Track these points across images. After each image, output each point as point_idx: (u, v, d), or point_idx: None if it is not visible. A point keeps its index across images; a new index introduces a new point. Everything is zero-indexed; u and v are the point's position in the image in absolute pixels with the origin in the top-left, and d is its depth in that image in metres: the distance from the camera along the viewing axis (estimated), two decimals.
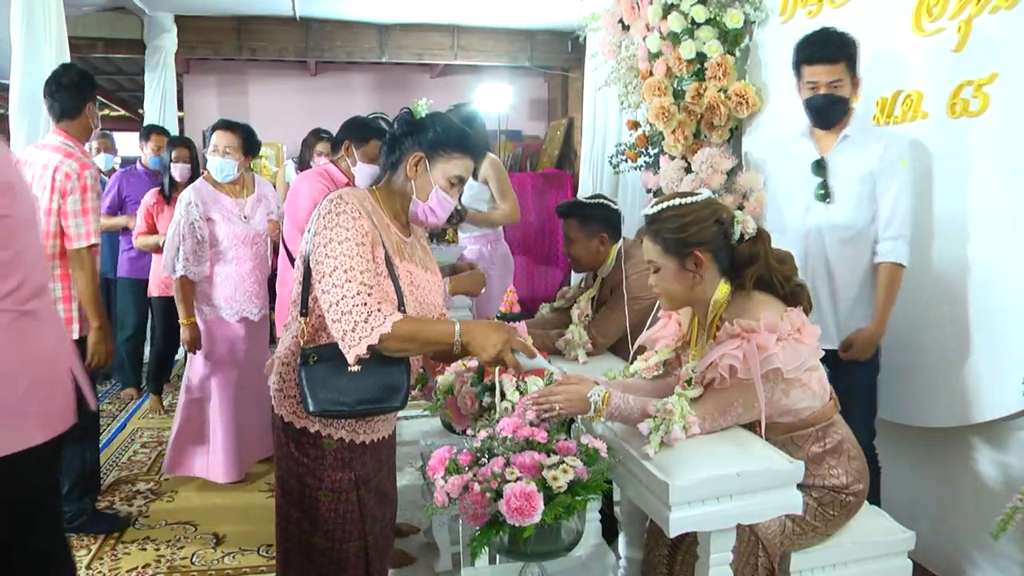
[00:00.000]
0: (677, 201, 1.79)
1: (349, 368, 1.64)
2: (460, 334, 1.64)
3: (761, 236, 1.79)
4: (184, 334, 3.23)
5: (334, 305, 1.61)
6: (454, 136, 1.77)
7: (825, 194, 2.39)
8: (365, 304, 1.60)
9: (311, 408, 1.67)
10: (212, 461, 3.33)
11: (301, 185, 2.91)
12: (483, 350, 1.65)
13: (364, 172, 3.01)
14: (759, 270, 1.76)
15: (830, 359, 2.32)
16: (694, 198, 1.80)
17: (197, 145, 4.46)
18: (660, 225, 1.79)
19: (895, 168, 2.28)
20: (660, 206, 1.80)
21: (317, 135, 4.44)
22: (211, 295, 3.22)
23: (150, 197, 4.12)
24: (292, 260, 2.82)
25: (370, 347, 1.59)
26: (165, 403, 4.57)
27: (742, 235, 1.77)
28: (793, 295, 1.80)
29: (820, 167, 2.40)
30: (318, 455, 1.75)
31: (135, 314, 4.55)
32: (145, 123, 5.57)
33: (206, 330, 3.25)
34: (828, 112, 2.37)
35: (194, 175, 4.05)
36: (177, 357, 4.60)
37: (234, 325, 3.24)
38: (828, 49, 2.33)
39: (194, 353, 3.27)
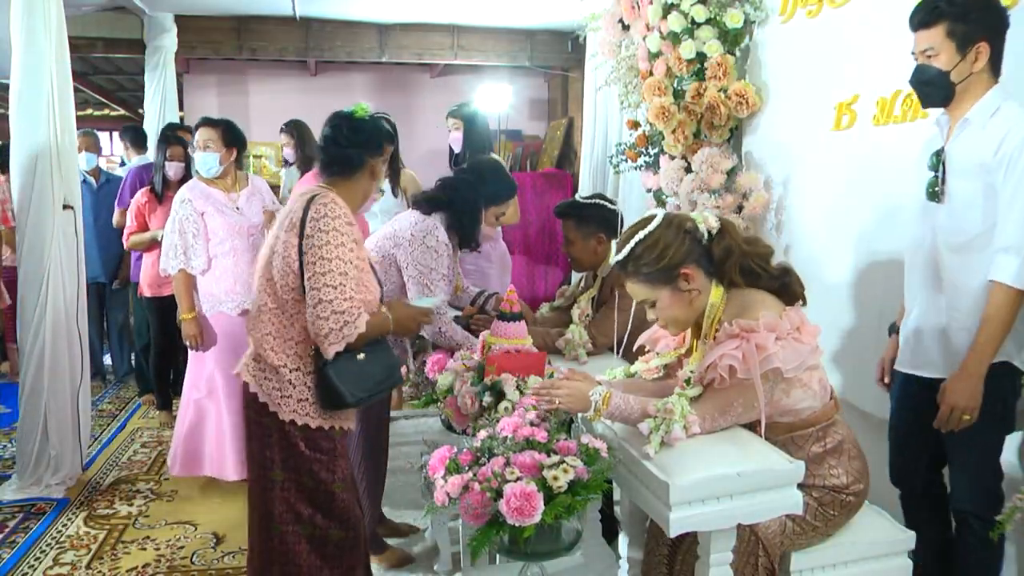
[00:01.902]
0: (641, 235, 1.76)
1: (357, 357, 1.83)
2: (392, 323, 1.97)
3: (726, 227, 1.80)
4: (185, 329, 3.24)
5: (325, 303, 1.77)
6: (390, 134, 2.09)
7: (935, 192, 1.94)
8: (355, 307, 1.80)
9: (348, 400, 1.84)
10: (221, 458, 3.30)
11: (302, 188, 2.92)
12: (408, 330, 2.15)
13: None
14: (737, 260, 1.77)
15: (933, 388, 1.97)
16: (654, 223, 1.78)
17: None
18: (637, 264, 1.77)
19: (1016, 161, 1.78)
20: (627, 247, 1.77)
21: (284, 127, 4.50)
22: (212, 289, 3.22)
23: (141, 196, 4.11)
24: None
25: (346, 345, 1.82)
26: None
27: (709, 233, 1.78)
28: (785, 287, 1.80)
29: (937, 159, 1.95)
30: (330, 447, 1.89)
31: (142, 322, 4.52)
32: (145, 122, 5.59)
33: (208, 325, 3.25)
34: (920, 88, 1.95)
35: (188, 174, 4.06)
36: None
37: (235, 318, 3.24)
38: (921, 12, 1.89)
39: (195, 349, 3.27)
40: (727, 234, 1.79)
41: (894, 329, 2.23)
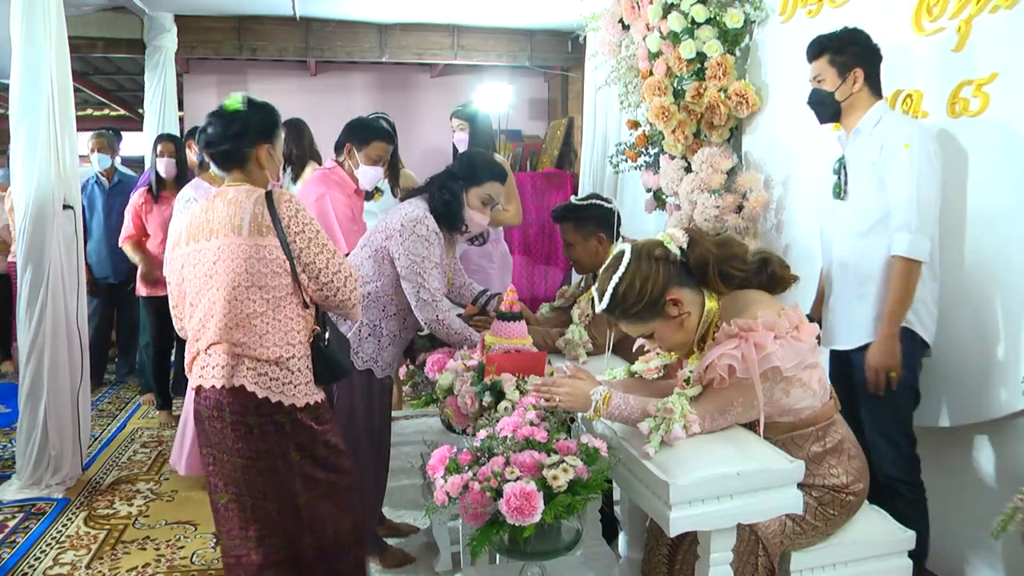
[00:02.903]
0: (615, 279, 1.75)
1: (330, 333, 2.04)
2: None
3: (695, 237, 1.80)
4: None
5: (349, 278, 1.99)
6: (277, 116, 2.07)
7: (839, 191, 2.36)
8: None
9: (348, 370, 2.10)
10: None
11: (322, 195, 2.92)
12: None
13: (367, 173, 3.03)
14: (715, 267, 1.77)
15: (853, 359, 2.28)
16: (625, 262, 1.76)
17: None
18: (623, 307, 1.76)
19: (896, 154, 2.15)
20: (607, 295, 1.76)
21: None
22: None
23: (139, 197, 4.10)
24: None
25: None
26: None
27: (680, 248, 1.78)
28: (771, 278, 1.80)
29: (839, 164, 2.37)
30: (330, 416, 2.06)
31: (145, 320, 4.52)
32: (145, 122, 5.58)
33: None
34: (813, 106, 2.37)
35: (180, 172, 4.06)
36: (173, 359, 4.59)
37: None
38: (810, 48, 2.35)
39: None
40: (697, 244, 1.78)
41: (812, 320, 2.37)
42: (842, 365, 2.36)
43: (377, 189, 3.48)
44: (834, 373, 2.40)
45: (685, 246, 1.78)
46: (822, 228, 2.52)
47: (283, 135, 2.08)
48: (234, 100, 1.98)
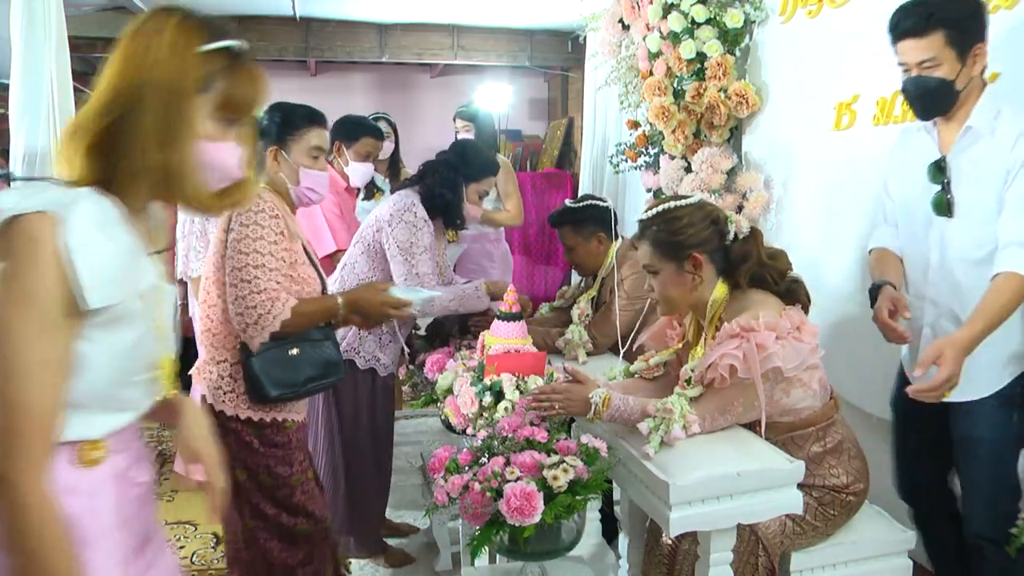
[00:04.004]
0: (671, 204, 1.80)
1: (290, 352, 1.82)
2: (343, 307, 1.92)
3: (754, 234, 1.82)
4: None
5: (241, 299, 1.78)
6: (295, 116, 1.97)
7: (945, 205, 1.80)
8: (270, 297, 1.78)
9: (270, 394, 1.79)
10: None
11: None
12: (369, 316, 1.99)
13: (358, 171, 3.03)
14: (752, 267, 1.78)
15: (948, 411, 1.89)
16: (687, 200, 1.81)
17: None
18: (657, 229, 1.80)
19: None
20: (654, 211, 1.81)
21: None
22: None
23: None
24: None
25: (272, 334, 1.79)
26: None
27: (736, 235, 1.79)
28: (790, 292, 1.81)
29: (939, 170, 1.81)
30: (284, 441, 1.87)
31: None
32: None
33: None
34: (922, 100, 1.80)
35: None
36: None
37: None
38: (912, 18, 1.73)
39: None
40: (752, 240, 1.81)
41: (877, 288, 1.91)
42: (934, 412, 1.87)
43: (378, 189, 3.49)
44: (914, 413, 1.95)
45: (739, 236, 1.80)
46: (905, 251, 1.99)
47: (306, 139, 1.95)
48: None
